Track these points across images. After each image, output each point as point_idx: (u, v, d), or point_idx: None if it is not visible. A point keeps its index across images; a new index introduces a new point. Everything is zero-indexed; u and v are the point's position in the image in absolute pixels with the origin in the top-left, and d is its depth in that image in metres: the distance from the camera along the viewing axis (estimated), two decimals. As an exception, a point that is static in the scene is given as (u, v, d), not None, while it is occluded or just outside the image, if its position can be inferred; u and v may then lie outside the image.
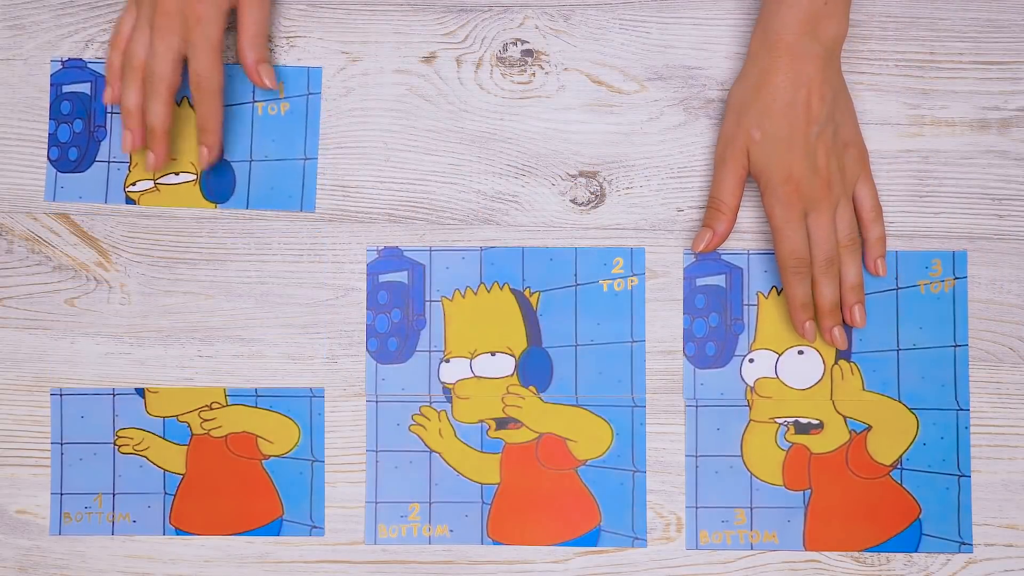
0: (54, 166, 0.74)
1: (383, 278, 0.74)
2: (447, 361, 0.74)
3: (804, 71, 0.68)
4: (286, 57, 0.75)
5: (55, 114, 0.74)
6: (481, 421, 0.73)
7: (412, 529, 0.73)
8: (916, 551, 0.73)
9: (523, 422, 0.73)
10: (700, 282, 0.74)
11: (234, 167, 0.74)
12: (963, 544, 0.73)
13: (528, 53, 0.75)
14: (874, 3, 0.74)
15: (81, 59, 0.74)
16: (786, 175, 0.69)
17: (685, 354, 0.74)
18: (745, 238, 0.74)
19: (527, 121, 0.74)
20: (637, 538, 0.73)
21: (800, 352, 0.73)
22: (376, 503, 0.73)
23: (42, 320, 0.74)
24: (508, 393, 0.73)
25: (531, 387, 0.73)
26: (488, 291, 0.74)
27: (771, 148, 0.69)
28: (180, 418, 0.74)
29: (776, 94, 0.69)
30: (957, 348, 0.73)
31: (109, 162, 0.74)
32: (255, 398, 0.74)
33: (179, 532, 0.73)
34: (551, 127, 0.74)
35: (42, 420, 0.74)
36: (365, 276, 0.74)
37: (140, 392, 0.74)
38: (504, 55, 0.75)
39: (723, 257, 0.74)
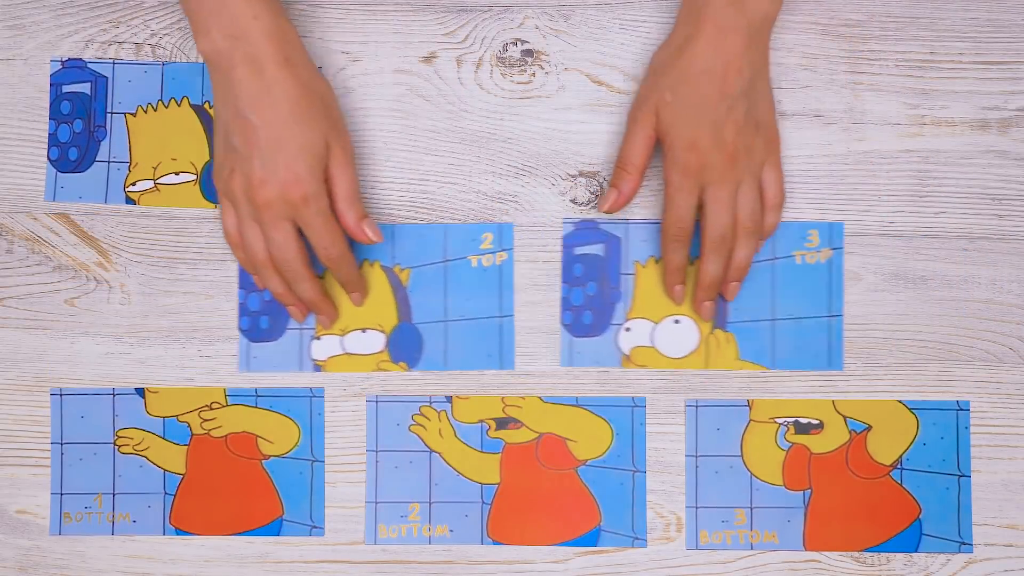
0: (54, 166, 0.74)
1: (579, 251, 0.74)
2: (318, 339, 0.74)
3: (726, 43, 0.67)
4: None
5: (55, 114, 0.74)
6: (481, 421, 0.74)
7: (412, 529, 0.73)
8: (916, 551, 0.73)
9: (523, 422, 0.73)
10: (578, 251, 0.74)
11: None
12: (963, 544, 0.73)
13: (528, 53, 0.75)
14: (874, 3, 0.74)
15: (81, 59, 0.74)
16: (690, 142, 0.68)
17: (562, 322, 0.74)
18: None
19: (527, 121, 0.74)
20: (637, 538, 0.73)
21: (676, 321, 0.73)
22: (376, 503, 0.73)
23: (42, 320, 0.74)
24: (378, 369, 0.73)
25: (402, 363, 0.73)
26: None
27: (680, 112, 0.68)
28: (180, 418, 0.74)
29: (694, 60, 0.68)
30: (832, 318, 0.73)
31: (109, 162, 0.74)
32: (255, 398, 0.74)
33: (179, 532, 0.73)
34: (551, 127, 0.74)
35: (42, 420, 0.74)
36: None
37: (140, 392, 0.74)
38: (504, 55, 0.75)
39: (601, 226, 0.74)
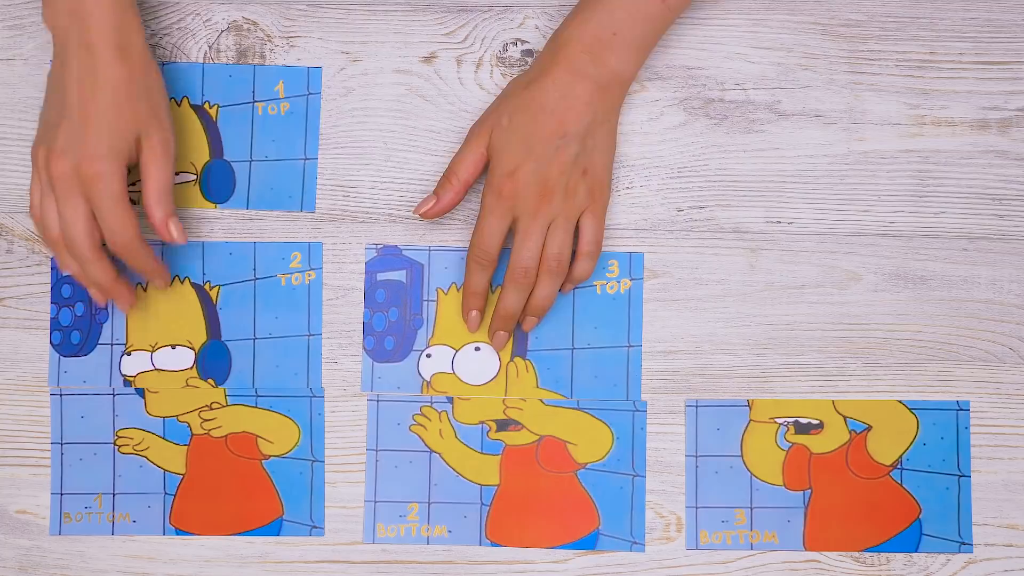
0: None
1: (381, 276, 0.74)
2: (128, 355, 0.73)
3: (573, 86, 0.68)
4: (286, 57, 0.75)
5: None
6: (482, 422, 0.73)
7: (411, 529, 0.73)
8: (916, 551, 0.73)
9: (524, 424, 0.73)
10: (381, 277, 0.74)
11: (234, 167, 0.74)
12: (963, 544, 0.73)
13: (528, 53, 0.75)
14: (874, 3, 0.74)
15: None
16: (510, 169, 0.68)
17: (364, 348, 0.74)
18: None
19: (527, 121, 0.74)
20: (635, 542, 0.73)
21: (476, 348, 0.74)
22: (375, 502, 0.73)
23: (42, 320, 0.74)
24: (187, 386, 0.73)
25: (210, 379, 0.73)
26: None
27: (511, 139, 0.69)
28: (180, 418, 0.74)
29: (539, 94, 0.68)
30: (631, 348, 0.73)
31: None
32: (255, 398, 0.74)
33: (179, 532, 0.73)
34: (551, 127, 0.74)
35: (42, 420, 0.74)
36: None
37: (140, 392, 0.74)
38: (504, 55, 0.75)
39: (404, 252, 0.74)
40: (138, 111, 0.67)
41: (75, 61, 0.66)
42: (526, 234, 0.69)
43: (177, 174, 0.74)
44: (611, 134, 0.71)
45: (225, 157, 0.74)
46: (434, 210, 0.71)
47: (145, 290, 0.74)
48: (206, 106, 0.74)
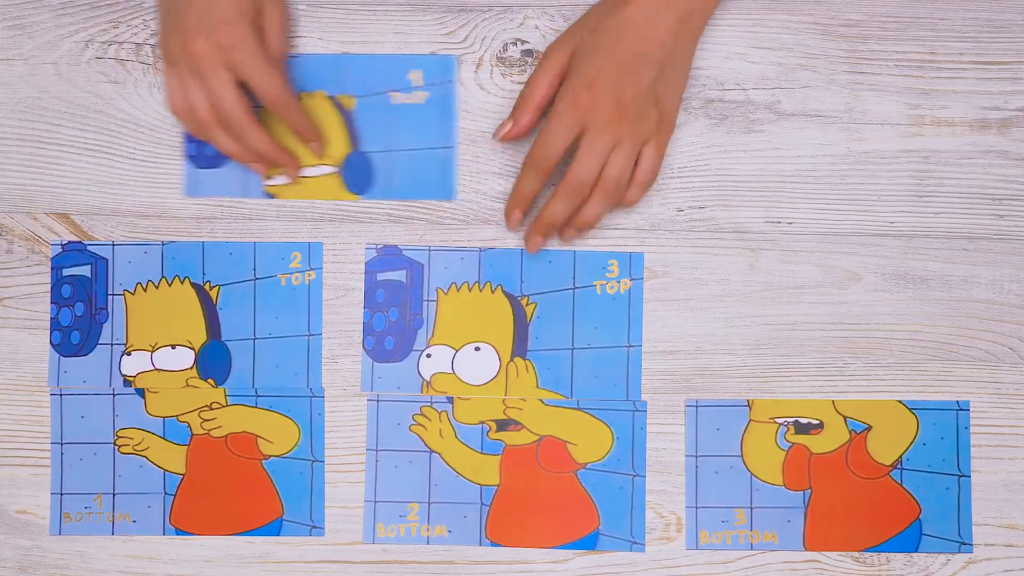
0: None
1: (381, 276, 0.74)
2: (128, 355, 0.74)
3: (660, 15, 0.68)
4: (292, 55, 0.74)
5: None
6: (482, 422, 0.73)
7: (411, 529, 0.73)
8: (916, 551, 0.73)
9: (524, 424, 0.73)
10: (381, 277, 0.74)
11: (373, 158, 0.74)
12: (963, 544, 0.73)
13: (528, 53, 0.75)
14: (874, 3, 0.74)
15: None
16: (589, 81, 0.68)
17: (364, 348, 0.74)
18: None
19: (527, 121, 0.74)
20: (635, 542, 0.73)
21: (476, 348, 0.74)
22: (375, 502, 0.73)
23: (42, 320, 0.74)
24: (187, 386, 0.74)
25: (210, 379, 0.73)
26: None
27: (593, 54, 0.68)
28: (180, 418, 0.74)
29: (625, 15, 0.68)
30: (631, 348, 0.73)
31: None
32: (255, 398, 0.74)
33: (179, 532, 0.73)
34: (551, 127, 0.74)
35: (42, 420, 0.74)
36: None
37: (140, 392, 0.74)
38: (504, 55, 0.75)
39: (404, 252, 0.74)
40: None
41: None
42: (591, 149, 0.68)
43: (314, 166, 0.74)
44: (687, 68, 0.71)
45: (363, 148, 0.74)
46: (512, 133, 0.71)
47: (151, 289, 0.74)
48: (343, 98, 0.74)
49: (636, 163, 0.70)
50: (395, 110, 0.74)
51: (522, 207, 0.71)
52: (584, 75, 0.68)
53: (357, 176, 0.74)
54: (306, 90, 0.74)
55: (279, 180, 0.74)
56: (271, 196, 0.74)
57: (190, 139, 0.74)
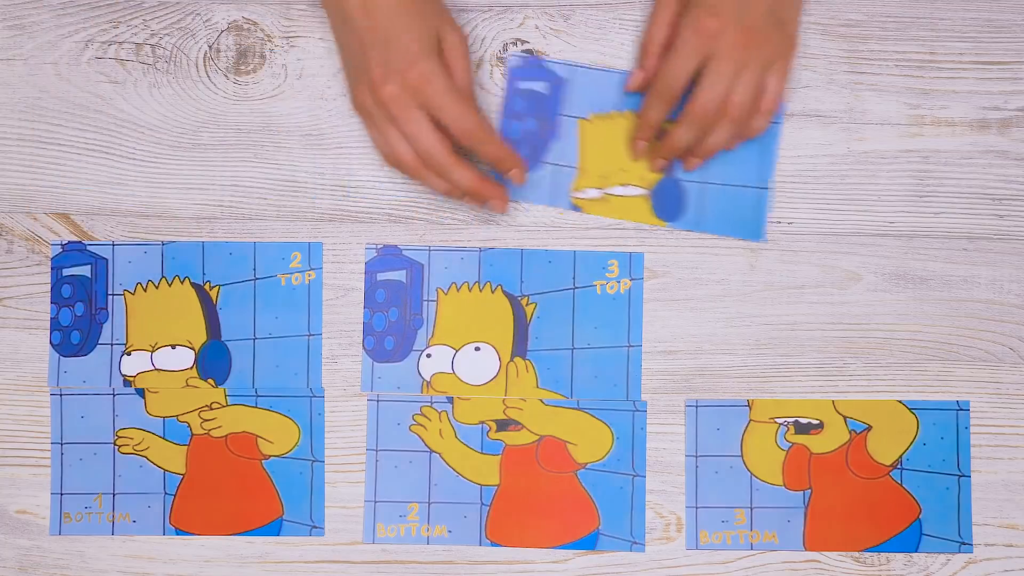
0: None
1: (381, 276, 0.74)
2: (128, 355, 0.73)
3: None
4: (286, 57, 0.75)
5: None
6: (482, 422, 0.73)
7: (411, 529, 0.73)
8: (916, 551, 0.73)
9: (524, 424, 0.73)
10: (381, 277, 0.74)
11: (686, 187, 0.73)
12: (963, 544, 0.73)
13: (528, 53, 0.75)
14: (874, 3, 0.74)
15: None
16: (712, 8, 0.67)
17: (364, 348, 0.74)
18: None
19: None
20: (635, 542, 0.73)
21: (476, 349, 0.74)
22: (375, 502, 0.73)
23: (42, 320, 0.74)
24: (187, 386, 0.73)
25: (210, 379, 0.73)
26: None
27: None
28: (180, 418, 0.74)
29: None
30: (631, 348, 0.73)
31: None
32: (255, 398, 0.74)
33: (179, 532, 0.73)
34: (551, 127, 0.74)
35: (42, 420, 0.74)
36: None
37: (140, 392, 0.74)
38: (504, 55, 0.75)
39: (404, 252, 0.74)
40: (428, 12, 0.67)
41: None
42: (718, 75, 0.68)
43: (624, 185, 0.73)
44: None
45: (679, 176, 0.73)
46: (643, 79, 0.71)
47: (151, 289, 0.74)
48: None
49: (761, 90, 0.70)
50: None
51: (646, 136, 0.71)
52: (706, 2, 0.67)
53: (667, 203, 0.73)
54: (619, 110, 0.74)
55: (589, 194, 0.73)
56: (578, 209, 0.73)
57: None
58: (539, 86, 0.73)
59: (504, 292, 0.74)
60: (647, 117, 0.71)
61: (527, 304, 0.74)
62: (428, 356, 0.74)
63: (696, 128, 0.69)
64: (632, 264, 0.74)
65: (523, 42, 0.75)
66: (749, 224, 0.73)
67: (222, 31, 0.75)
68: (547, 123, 0.73)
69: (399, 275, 0.74)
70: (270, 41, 0.75)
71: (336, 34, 0.70)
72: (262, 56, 0.75)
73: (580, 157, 0.73)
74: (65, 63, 0.75)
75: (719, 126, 0.70)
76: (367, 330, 0.74)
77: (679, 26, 0.68)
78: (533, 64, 0.73)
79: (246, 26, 0.75)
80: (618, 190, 0.73)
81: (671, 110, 0.70)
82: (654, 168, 0.72)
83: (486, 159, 0.69)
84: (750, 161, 0.73)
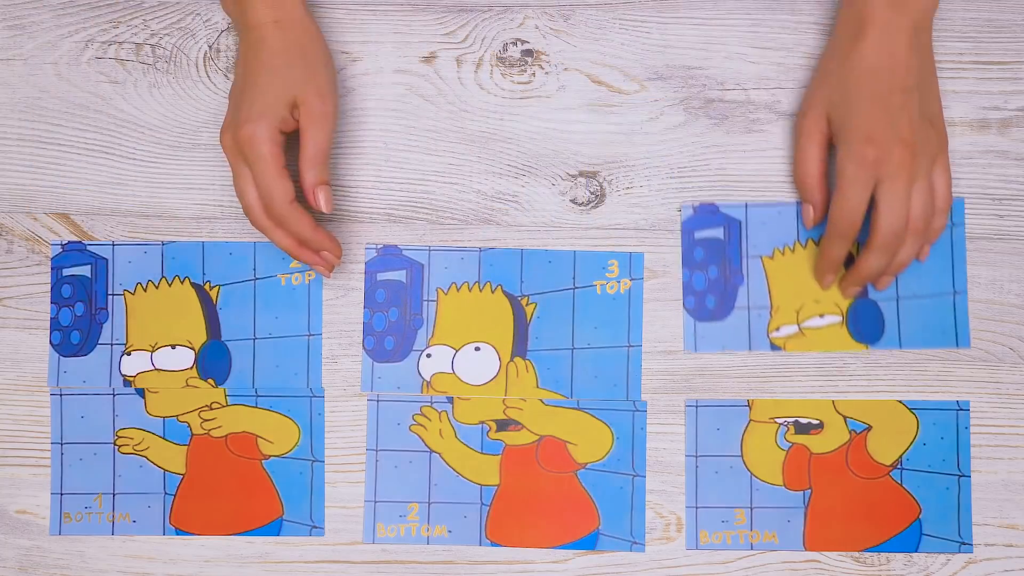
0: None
1: (381, 276, 0.74)
2: (128, 355, 0.73)
3: (892, 43, 0.67)
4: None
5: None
6: (482, 422, 0.73)
7: (411, 529, 0.73)
8: (916, 551, 0.73)
9: (523, 424, 0.73)
10: (381, 277, 0.74)
11: (882, 307, 0.73)
12: (963, 544, 0.73)
13: (528, 53, 0.75)
14: (874, 3, 0.74)
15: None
16: (867, 135, 0.67)
17: (364, 348, 0.74)
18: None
19: (527, 121, 0.74)
20: (635, 542, 0.73)
21: (476, 349, 0.74)
22: (375, 502, 0.73)
23: (42, 320, 0.74)
24: (187, 386, 0.73)
25: (210, 379, 0.73)
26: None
27: (853, 108, 0.67)
28: (180, 418, 0.74)
29: (861, 60, 0.67)
30: (631, 348, 0.73)
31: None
32: (255, 398, 0.74)
33: (179, 532, 0.73)
34: (551, 127, 0.74)
35: (42, 420, 0.74)
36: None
37: (140, 392, 0.74)
38: (504, 55, 0.75)
39: (404, 252, 0.74)
40: (294, 76, 0.67)
41: (243, 42, 0.69)
42: (894, 196, 0.67)
43: (821, 316, 0.73)
44: (935, 73, 0.71)
45: (871, 296, 0.73)
46: (819, 216, 0.71)
47: (151, 289, 0.74)
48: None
49: (932, 190, 0.70)
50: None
51: (833, 272, 0.72)
52: (857, 130, 0.67)
53: (865, 326, 0.73)
54: (799, 241, 0.74)
55: (784, 331, 0.73)
56: (779, 348, 0.73)
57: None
58: (715, 232, 0.73)
59: (504, 292, 0.74)
60: (831, 256, 0.71)
61: (527, 304, 0.74)
62: (428, 356, 0.74)
63: (888, 253, 0.69)
64: (632, 264, 0.74)
65: (523, 42, 0.75)
66: (952, 332, 0.73)
67: (222, 31, 0.75)
68: (731, 268, 0.73)
69: (399, 275, 0.74)
70: (270, 41, 0.75)
71: (235, 62, 0.72)
72: (262, 56, 0.74)
73: (771, 296, 0.73)
74: (65, 63, 0.75)
75: (907, 242, 0.69)
76: (367, 330, 0.74)
77: (840, 161, 0.68)
78: (707, 212, 0.73)
79: (246, 26, 0.75)
80: (814, 322, 0.73)
81: (852, 244, 0.70)
82: (848, 296, 0.72)
83: (296, 237, 0.68)
84: (940, 268, 0.73)
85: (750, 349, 0.73)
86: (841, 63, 0.68)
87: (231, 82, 0.72)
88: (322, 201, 0.68)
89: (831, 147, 0.71)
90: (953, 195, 0.72)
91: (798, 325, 0.73)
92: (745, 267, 0.73)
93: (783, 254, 0.73)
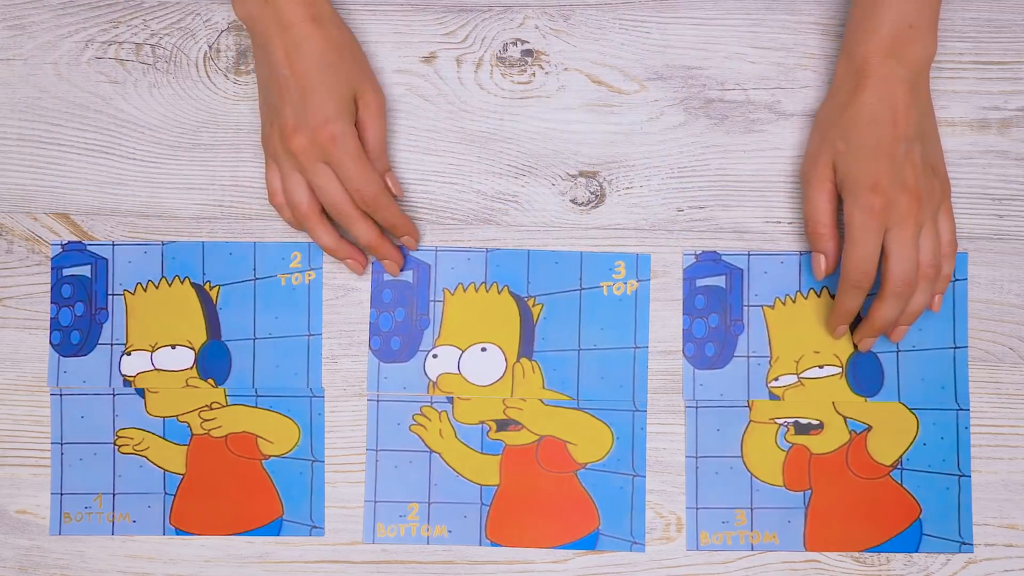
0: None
1: (388, 276, 0.74)
2: (128, 355, 0.74)
3: (891, 92, 0.67)
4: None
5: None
6: (482, 422, 0.73)
7: (411, 529, 0.73)
8: (916, 551, 0.73)
9: (523, 424, 0.73)
10: (387, 277, 0.74)
11: (882, 359, 0.73)
12: (963, 544, 0.73)
13: (528, 53, 0.75)
14: (874, 3, 0.74)
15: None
16: (873, 183, 0.67)
17: (371, 347, 0.74)
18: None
19: (527, 121, 0.74)
20: (635, 542, 0.73)
21: (483, 349, 0.73)
22: (375, 502, 0.73)
23: (42, 320, 0.74)
24: (187, 386, 0.73)
25: (210, 379, 0.73)
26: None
27: (857, 157, 0.68)
28: (180, 418, 0.74)
29: (862, 109, 0.67)
30: (637, 349, 0.73)
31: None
32: (255, 398, 0.74)
33: (179, 532, 0.73)
34: (551, 127, 0.74)
35: (42, 420, 0.74)
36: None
37: (140, 392, 0.74)
38: (504, 55, 0.75)
39: (411, 253, 0.74)
40: (349, 71, 0.69)
41: (278, 42, 0.68)
42: (903, 244, 0.68)
43: (819, 367, 0.73)
44: (935, 121, 0.71)
45: (871, 349, 0.73)
46: (831, 265, 0.71)
47: (151, 289, 0.74)
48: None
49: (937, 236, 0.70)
50: None
51: (846, 322, 0.71)
52: (863, 181, 0.67)
53: (864, 378, 0.73)
54: (800, 291, 0.74)
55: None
56: (777, 397, 0.73)
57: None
58: (717, 280, 0.73)
59: (511, 293, 0.74)
60: (845, 307, 0.70)
61: (534, 305, 0.74)
62: (434, 356, 0.74)
63: (901, 301, 0.69)
64: (639, 265, 0.74)
65: (523, 42, 0.75)
66: (952, 388, 0.73)
67: (222, 31, 0.75)
68: (731, 316, 0.73)
69: (406, 275, 0.74)
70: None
71: (258, 71, 0.71)
72: (262, 56, 0.74)
73: (771, 346, 0.73)
74: (65, 63, 0.75)
75: (918, 289, 0.69)
76: (373, 330, 0.74)
77: (848, 211, 0.68)
78: (709, 259, 0.73)
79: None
80: (814, 372, 0.73)
81: (867, 294, 0.70)
82: (864, 348, 0.72)
83: (383, 224, 0.71)
84: (942, 321, 0.73)
85: (749, 398, 0.73)
86: (841, 113, 0.68)
87: (256, 83, 0.71)
88: (392, 185, 0.71)
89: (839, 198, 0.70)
90: (958, 247, 0.72)
91: (797, 375, 0.73)
92: (746, 316, 0.73)
93: (784, 304, 0.73)
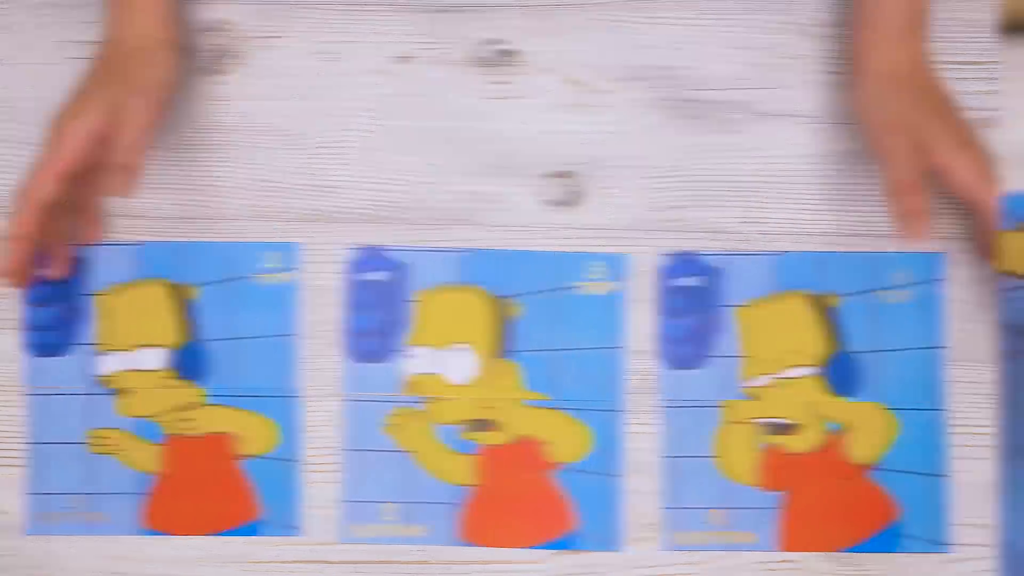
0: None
1: (363, 277, 0.74)
2: (104, 355, 0.73)
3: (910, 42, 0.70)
4: (264, 57, 0.74)
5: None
6: (458, 422, 0.73)
7: (386, 529, 0.73)
8: (894, 551, 0.73)
9: (500, 424, 0.73)
10: (363, 277, 0.74)
11: (860, 359, 0.73)
12: (941, 544, 0.73)
13: (505, 53, 0.75)
14: (850, 4, 0.74)
15: None
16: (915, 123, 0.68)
17: (346, 348, 0.74)
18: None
19: (503, 121, 0.74)
20: (612, 543, 0.73)
21: (459, 349, 0.73)
22: (351, 502, 0.73)
23: (15, 320, 0.74)
24: (164, 387, 0.73)
25: (187, 380, 0.73)
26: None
27: (920, 113, 0.68)
28: (156, 418, 0.74)
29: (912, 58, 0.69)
30: (615, 350, 0.73)
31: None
32: (232, 398, 0.74)
33: (155, 532, 0.73)
34: (527, 127, 0.74)
35: (15, 420, 0.74)
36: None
37: (115, 392, 0.74)
38: (481, 55, 0.75)
39: (387, 253, 0.74)
40: (111, 80, 0.69)
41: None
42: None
43: (795, 367, 0.73)
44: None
45: (848, 348, 0.73)
46: (923, 223, 0.67)
47: (127, 289, 0.74)
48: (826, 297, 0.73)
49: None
50: (883, 309, 0.73)
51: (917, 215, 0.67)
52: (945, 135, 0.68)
53: (842, 379, 0.73)
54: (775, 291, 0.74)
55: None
56: (752, 398, 0.73)
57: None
58: (692, 281, 0.73)
59: (487, 293, 0.74)
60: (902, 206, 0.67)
61: (510, 305, 0.74)
62: (410, 357, 0.74)
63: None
64: (615, 266, 0.74)
65: (500, 42, 0.75)
66: (929, 389, 0.73)
67: (199, 32, 0.75)
68: (706, 317, 0.73)
69: (381, 276, 0.74)
70: (247, 41, 0.75)
71: None
72: (239, 56, 0.75)
73: (746, 346, 0.73)
74: (41, 64, 0.75)
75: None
76: (349, 330, 0.74)
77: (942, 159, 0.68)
78: (684, 260, 0.73)
79: (223, 26, 0.75)
80: (790, 372, 0.73)
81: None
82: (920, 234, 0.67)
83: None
84: (920, 321, 0.73)
85: (723, 398, 0.73)
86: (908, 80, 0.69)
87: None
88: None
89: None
90: (932, 247, 0.72)
91: (773, 375, 0.73)
92: (721, 317, 0.73)
93: (759, 304, 0.73)
